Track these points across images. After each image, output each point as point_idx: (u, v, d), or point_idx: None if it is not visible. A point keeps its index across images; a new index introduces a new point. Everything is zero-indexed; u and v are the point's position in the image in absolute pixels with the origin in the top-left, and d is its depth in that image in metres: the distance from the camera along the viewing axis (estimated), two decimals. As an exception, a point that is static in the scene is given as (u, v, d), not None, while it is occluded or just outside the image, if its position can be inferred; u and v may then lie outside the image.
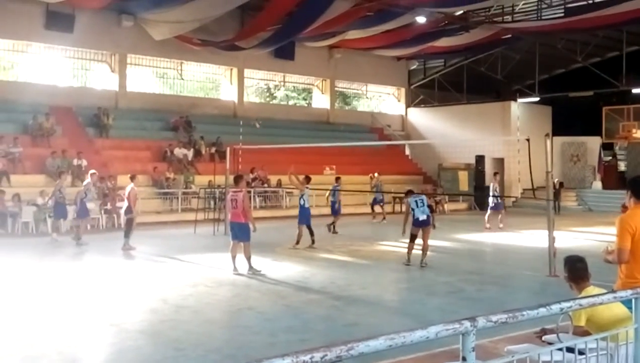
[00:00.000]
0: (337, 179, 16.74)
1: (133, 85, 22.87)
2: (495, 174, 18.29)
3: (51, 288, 8.43)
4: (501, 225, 16.28)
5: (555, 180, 21.16)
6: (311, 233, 12.64)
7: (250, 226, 9.63)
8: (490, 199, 16.80)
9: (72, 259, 11.13)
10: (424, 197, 11.03)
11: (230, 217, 10.04)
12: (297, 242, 12.45)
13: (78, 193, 13.46)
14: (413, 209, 10.61)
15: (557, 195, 18.86)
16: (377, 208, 19.01)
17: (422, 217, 10.47)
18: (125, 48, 22.01)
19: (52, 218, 13.97)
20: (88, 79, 22.44)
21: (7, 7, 18.99)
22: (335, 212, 15.74)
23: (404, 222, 10.74)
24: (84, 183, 13.73)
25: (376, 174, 20.46)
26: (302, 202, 12.70)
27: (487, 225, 16.31)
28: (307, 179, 13.20)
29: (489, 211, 16.77)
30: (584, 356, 3.01)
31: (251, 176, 19.82)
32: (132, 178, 12.54)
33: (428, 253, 10.55)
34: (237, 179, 10.13)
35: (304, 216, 12.64)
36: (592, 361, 3.05)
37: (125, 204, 12.36)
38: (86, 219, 13.43)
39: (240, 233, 9.60)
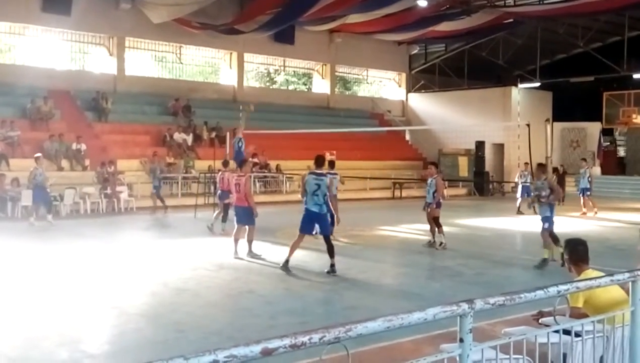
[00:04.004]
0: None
1: (131, 69, 22.73)
2: (584, 159, 18.64)
3: (51, 271, 8.47)
4: (595, 210, 16.47)
5: (559, 166, 21.00)
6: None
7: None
8: (582, 185, 16.94)
9: (72, 242, 11.16)
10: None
11: (234, 201, 10.04)
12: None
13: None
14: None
15: (561, 183, 18.01)
16: (172, 199, 16.98)
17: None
18: (123, 31, 21.84)
19: (31, 203, 13.64)
20: (86, 63, 22.31)
21: (4, -11, 18.83)
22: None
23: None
24: None
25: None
26: None
27: (584, 210, 16.60)
28: (332, 165, 11.96)
29: (582, 197, 16.89)
30: (580, 338, 3.03)
31: (251, 161, 19.78)
32: (225, 164, 12.75)
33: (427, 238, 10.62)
34: (242, 164, 10.14)
35: None
36: (588, 343, 3.08)
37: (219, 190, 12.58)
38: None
39: (246, 217, 9.61)
